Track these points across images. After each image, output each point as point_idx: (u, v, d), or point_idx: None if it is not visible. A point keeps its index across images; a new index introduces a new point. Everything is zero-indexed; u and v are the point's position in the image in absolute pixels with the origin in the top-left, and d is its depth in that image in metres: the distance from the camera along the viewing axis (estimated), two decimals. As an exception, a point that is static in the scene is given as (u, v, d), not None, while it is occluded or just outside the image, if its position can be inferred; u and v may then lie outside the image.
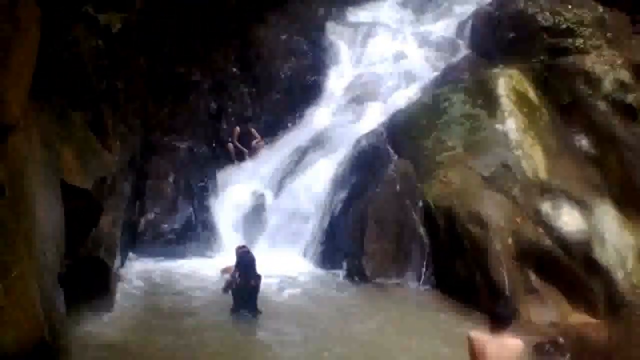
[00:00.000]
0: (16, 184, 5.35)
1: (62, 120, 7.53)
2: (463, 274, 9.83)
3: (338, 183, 11.86)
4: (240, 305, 8.65)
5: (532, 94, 11.46)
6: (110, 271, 8.38)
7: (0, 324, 4.65)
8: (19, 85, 4.84)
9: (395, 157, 11.58)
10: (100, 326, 7.82)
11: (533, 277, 9.37)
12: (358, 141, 12.25)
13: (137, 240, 11.20)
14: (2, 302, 4.70)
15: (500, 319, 5.53)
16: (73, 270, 7.08)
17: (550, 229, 9.70)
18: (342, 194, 11.63)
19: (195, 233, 11.69)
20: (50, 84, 7.06)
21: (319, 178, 12.16)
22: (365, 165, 11.69)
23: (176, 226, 11.55)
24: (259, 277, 8.69)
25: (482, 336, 5.56)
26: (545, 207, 9.96)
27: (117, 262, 9.16)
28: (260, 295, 8.83)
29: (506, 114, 11.15)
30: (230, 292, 8.71)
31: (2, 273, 4.79)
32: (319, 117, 14.33)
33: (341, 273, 10.72)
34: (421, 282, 10.35)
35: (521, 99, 11.34)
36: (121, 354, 7.19)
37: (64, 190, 6.94)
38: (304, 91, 14.63)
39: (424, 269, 10.42)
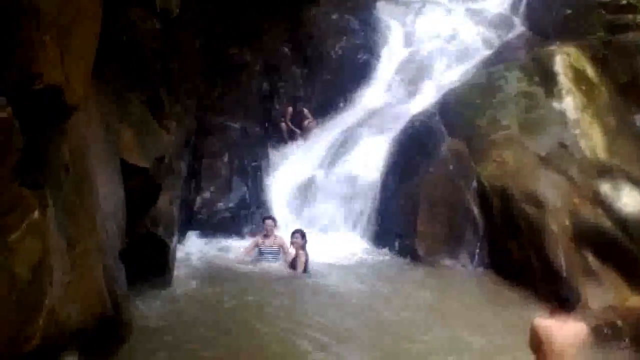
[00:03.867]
0: (78, 163, 5.45)
1: (121, 100, 7.66)
2: (518, 255, 9.68)
3: (390, 163, 11.83)
4: None
5: (590, 71, 11.11)
6: (169, 249, 8.54)
7: (67, 299, 4.75)
8: (82, 67, 4.88)
9: (448, 136, 11.42)
10: (159, 302, 8.00)
11: (591, 259, 9.12)
12: (410, 121, 12.15)
13: (193, 218, 11.41)
14: (68, 277, 4.82)
15: (564, 302, 5.48)
16: (133, 248, 7.24)
17: (609, 210, 9.42)
18: (395, 174, 11.60)
19: (250, 211, 11.85)
20: (108, 65, 7.18)
21: (371, 158, 12.14)
22: (417, 145, 11.61)
23: (231, 204, 11.72)
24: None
25: (545, 322, 5.49)
26: (604, 187, 9.67)
27: (175, 239, 9.33)
28: (313, 274, 9.55)
29: (563, 92, 10.85)
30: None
31: (68, 249, 4.91)
32: (370, 96, 14.30)
33: (394, 253, 10.73)
34: (474, 263, 10.25)
35: (579, 76, 11.02)
36: (180, 330, 7.34)
37: (123, 169, 7.09)
38: (355, 71, 14.57)
39: (477, 250, 10.32)
